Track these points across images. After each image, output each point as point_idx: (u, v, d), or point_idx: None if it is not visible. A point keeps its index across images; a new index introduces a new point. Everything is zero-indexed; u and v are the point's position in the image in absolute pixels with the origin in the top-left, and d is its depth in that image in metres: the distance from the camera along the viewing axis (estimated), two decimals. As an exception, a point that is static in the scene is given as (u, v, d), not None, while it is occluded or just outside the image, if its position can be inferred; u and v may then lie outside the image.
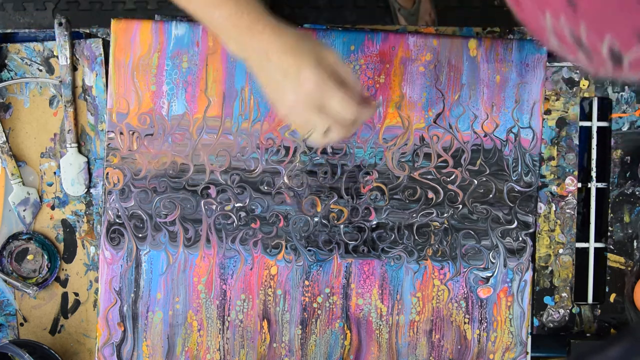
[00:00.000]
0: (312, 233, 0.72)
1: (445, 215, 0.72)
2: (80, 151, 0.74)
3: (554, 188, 0.73)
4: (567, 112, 0.73)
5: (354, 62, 0.71)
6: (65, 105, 0.73)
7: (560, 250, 0.73)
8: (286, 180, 0.71)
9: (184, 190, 0.71)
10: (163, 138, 0.71)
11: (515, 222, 0.72)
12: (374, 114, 0.58)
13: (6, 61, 0.74)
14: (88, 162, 0.74)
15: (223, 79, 0.71)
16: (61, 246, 0.75)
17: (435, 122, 0.71)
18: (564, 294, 0.74)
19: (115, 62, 0.71)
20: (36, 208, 0.74)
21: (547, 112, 0.73)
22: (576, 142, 0.73)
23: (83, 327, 0.75)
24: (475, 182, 0.72)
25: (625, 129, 0.74)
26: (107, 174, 0.71)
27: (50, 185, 0.75)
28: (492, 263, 0.72)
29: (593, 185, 0.75)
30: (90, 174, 0.74)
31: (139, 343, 0.72)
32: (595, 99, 0.75)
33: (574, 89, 0.73)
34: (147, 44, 0.71)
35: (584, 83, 0.73)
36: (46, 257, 0.74)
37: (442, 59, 0.71)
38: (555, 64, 0.73)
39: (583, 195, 0.77)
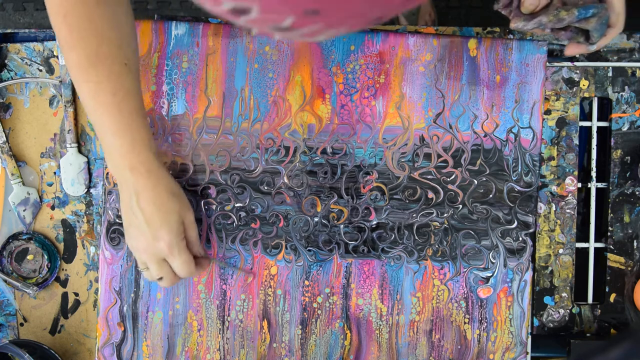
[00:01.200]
0: (312, 233, 0.72)
1: (445, 215, 0.71)
2: (80, 151, 0.74)
3: (554, 188, 0.73)
4: (567, 112, 0.73)
5: (354, 62, 0.71)
6: (65, 105, 0.73)
7: (560, 250, 0.73)
8: (286, 180, 0.71)
9: (184, 190, 0.71)
10: (163, 138, 0.71)
11: (515, 222, 0.71)
12: (202, 273, 0.69)
13: (6, 61, 0.74)
14: (88, 162, 0.74)
15: (223, 79, 0.71)
16: (61, 246, 0.75)
17: (435, 122, 0.71)
18: (564, 294, 0.74)
19: (115, 62, 0.71)
20: (36, 208, 0.74)
21: (547, 112, 0.73)
22: (576, 142, 0.73)
23: (83, 327, 0.75)
24: (475, 182, 0.72)
25: (625, 129, 0.74)
26: (107, 174, 0.71)
27: (50, 185, 0.75)
28: (492, 263, 0.72)
29: (593, 185, 0.75)
30: (90, 174, 0.74)
31: (139, 343, 0.72)
32: (595, 99, 0.75)
33: (574, 89, 0.73)
34: (147, 44, 0.71)
35: (584, 83, 0.73)
36: (46, 257, 0.74)
37: (442, 59, 0.71)
38: (555, 63, 0.73)
39: (583, 195, 0.77)
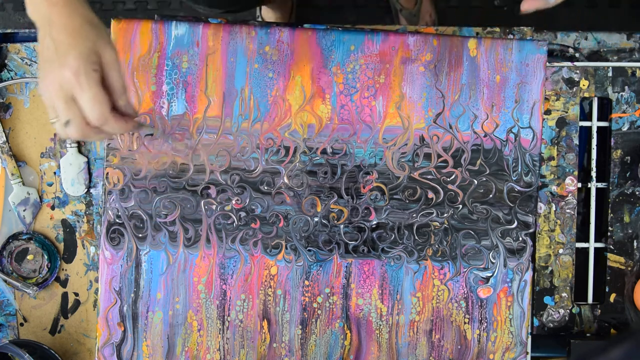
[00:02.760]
0: (312, 233, 0.72)
1: (445, 215, 0.72)
2: (80, 151, 0.74)
3: (554, 188, 0.73)
4: (567, 112, 0.73)
5: (354, 62, 0.71)
6: (65, 105, 0.73)
7: (560, 250, 0.73)
8: (286, 180, 0.71)
9: (184, 190, 0.71)
10: (163, 138, 0.71)
11: (515, 222, 0.71)
12: (130, 130, 0.57)
13: (6, 61, 0.74)
14: (88, 162, 0.74)
15: (223, 79, 0.71)
16: (61, 246, 0.75)
17: (435, 122, 0.71)
18: (564, 294, 0.74)
19: (115, 62, 0.71)
20: (36, 208, 0.74)
21: (547, 112, 0.73)
22: (576, 142, 0.73)
23: (83, 327, 0.75)
24: (475, 182, 0.72)
25: (625, 129, 0.74)
26: (107, 174, 0.71)
27: (50, 185, 0.75)
28: (492, 263, 0.72)
29: (593, 185, 0.75)
30: (90, 174, 0.74)
31: (139, 343, 0.72)
32: (595, 99, 0.75)
33: (574, 89, 0.73)
34: (147, 44, 0.71)
35: (584, 83, 0.73)
36: (46, 257, 0.74)
37: (442, 59, 0.71)
38: (555, 63, 0.73)
39: (583, 195, 0.77)
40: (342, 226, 0.72)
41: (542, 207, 0.73)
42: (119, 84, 0.55)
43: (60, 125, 0.55)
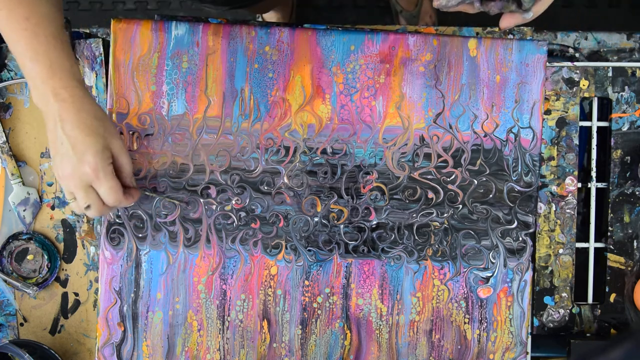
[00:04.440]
0: (312, 233, 0.72)
1: (445, 215, 0.72)
2: (80, 151, 0.74)
3: (554, 188, 0.73)
4: (567, 112, 0.73)
5: (354, 62, 0.71)
6: (65, 105, 0.73)
7: (560, 250, 0.73)
8: (286, 180, 0.71)
9: (184, 190, 0.71)
10: (163, 138, 0.71)
11: (515, 222, 0.71)
12: (134, 201, 0.67)
13: (6, 61, 0.74)
14: (88, 162, 0.74)
15: (223, 79, 0.71)
16: (61, 246, 0.75)
17: (435, 122, 0.71)
18: (564, 294, 0.74)
19: (115, 62, 0.71)
20: (36, 208, 0.74)
21: (547, 112, 0.73)
22: (576, 142, 0.73)
23: (83, 327, 0.75)
24: (475, 182, 0.72)
25: (625, 129, 0.74)
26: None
27: (50, 185, 0.75)
28: (492, 263, 0.72)
29: (593, 185, 0.75)
30: (90, 174, 0.74)
31: (139, 343, 0.72)
32: (595, 99, 0.75)
33: (574, 89, 0.73)
34: (147, 44, 0.71)
35: (584, 83, 0.73)
36: (46, 257, 0.74)
37: (442, 59, 0.71)
38: (555, 63, 0.73)
39: (583, 195, 0.77)
40: (342, 226, 0.72)
41: (542, 207, 0.73)
42: (127, 165, 0.64)
43: (78, 207, 0.63)
